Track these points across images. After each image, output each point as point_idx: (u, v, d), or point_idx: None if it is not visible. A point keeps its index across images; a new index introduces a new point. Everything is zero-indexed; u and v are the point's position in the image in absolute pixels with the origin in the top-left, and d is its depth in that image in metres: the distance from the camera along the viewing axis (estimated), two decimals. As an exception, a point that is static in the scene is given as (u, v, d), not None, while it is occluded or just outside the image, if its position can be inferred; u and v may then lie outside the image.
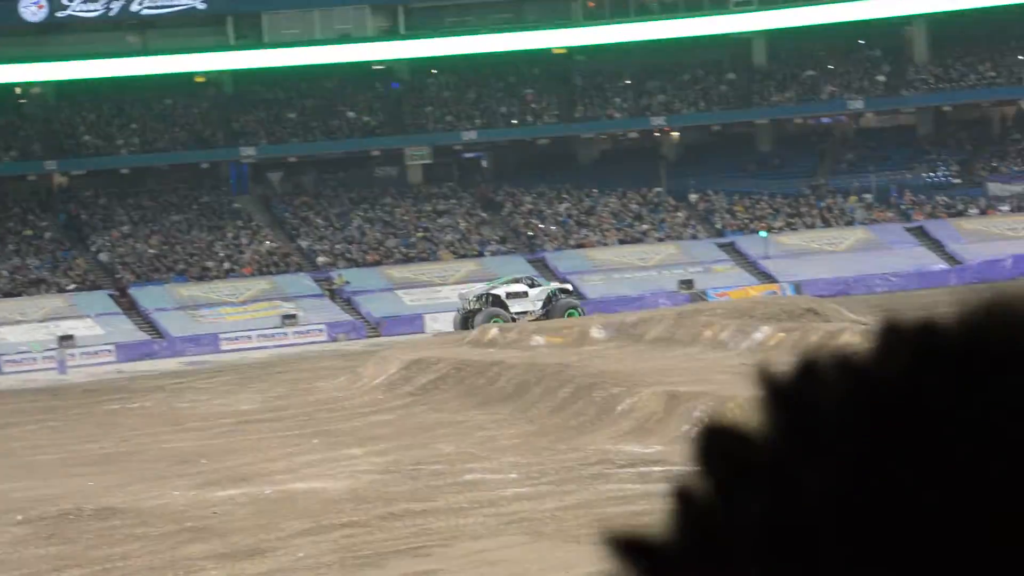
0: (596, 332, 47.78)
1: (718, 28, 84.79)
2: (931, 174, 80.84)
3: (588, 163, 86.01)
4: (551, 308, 58.90)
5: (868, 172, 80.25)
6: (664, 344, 44.90)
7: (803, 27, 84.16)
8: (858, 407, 0.86)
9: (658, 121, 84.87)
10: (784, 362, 0.85)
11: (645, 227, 76.38)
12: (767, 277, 68.94)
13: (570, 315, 56.64)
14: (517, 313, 58.66)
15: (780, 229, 74.57)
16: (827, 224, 75.10)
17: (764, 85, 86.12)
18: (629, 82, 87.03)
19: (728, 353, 43.50)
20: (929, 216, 74.65)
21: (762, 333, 44.65)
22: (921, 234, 72.90)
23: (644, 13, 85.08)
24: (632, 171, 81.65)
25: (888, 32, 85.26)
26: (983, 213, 74.31)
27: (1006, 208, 74.49)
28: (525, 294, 59.82)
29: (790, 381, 0.88)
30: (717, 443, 0.88)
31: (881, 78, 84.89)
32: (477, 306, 59.50)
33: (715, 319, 47.65)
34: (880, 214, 75.69)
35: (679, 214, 77.73)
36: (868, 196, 77.67)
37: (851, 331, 42.58)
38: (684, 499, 0.87)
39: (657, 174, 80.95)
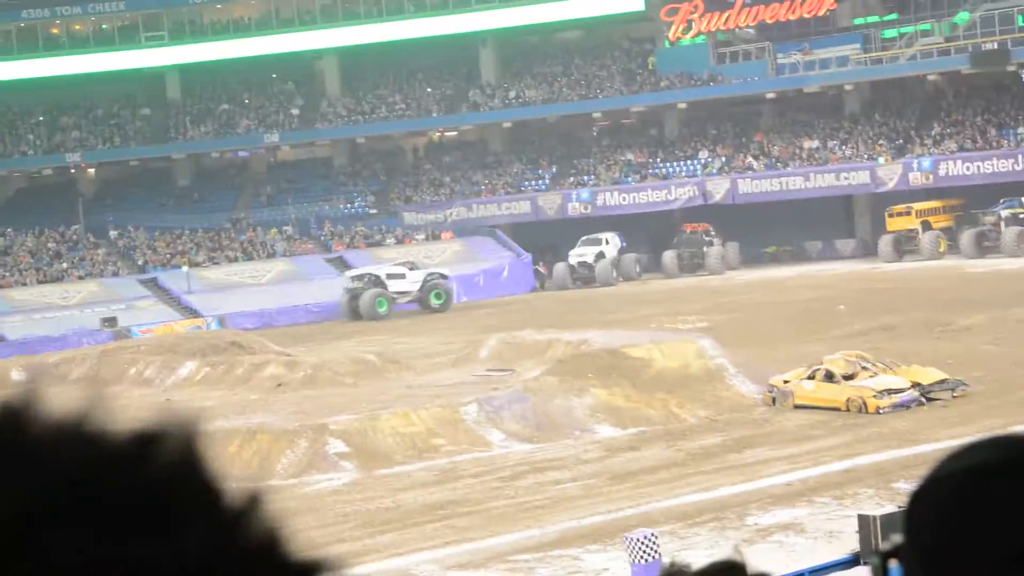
0: (16, 375, 46.41)
1: (130, 63, 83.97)
2: (348, 205, 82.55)
3: (2, 202, 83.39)
4: (423, 289, 66.52)
5: (287, 204, 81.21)
6: (89, 385, 43.96)
7: (217, 61, 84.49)
8: None
9: (73, 157, 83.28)
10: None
11: (65, 265, 74.60)
12: (191, 312, 68.55)
13: (436, 296, 66.15)
14: (396, 292, 65.95)
15: (202, 263, 74.37)
16: (249, 257, 75.39)
17: (180, 120, 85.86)
18: (42, 118, 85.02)
19: (154, 390, 43.19)
20: (349, 246, 76.14)
21: (187, 368, 44.58)
22: (341, 264, 74.18)
23: (53, 48, 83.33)
24: (49, 209, 79.79)
25: (300, 66, 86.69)
26: (400, 242, 76.41)
27: (421, 236, 76.88)
28: (403, 275, 66.14)
29: None
30: None
31: (295, 111, 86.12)
32: (359, 285, 65.44)
33: (140, 356, 47.21)
34: (301, 246, 76.65)
35: (99, 251, 76.31)
36: (288, 228, 78.55)
37: (276, 363, 43.08)
38: None
39: (75, 211, 79.31)
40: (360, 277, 66.52)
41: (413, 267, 67.53)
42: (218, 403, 39.31)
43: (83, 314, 67.86)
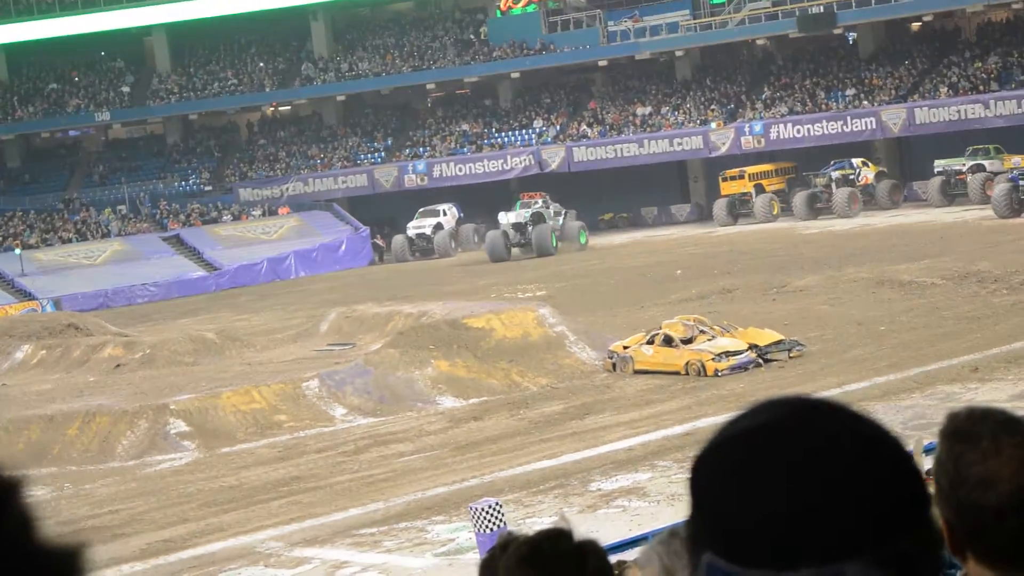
0: None
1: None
2: (183, 182, 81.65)
3: None
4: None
5: (120, 183, 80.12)
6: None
7: (43, 40, 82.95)
8: None
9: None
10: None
11: None
12: (25, 295, 67.41)
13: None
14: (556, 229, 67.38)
15: (35, 245, 73.09)
16: (83, 238, 74.29)
17: (7, 100, 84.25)
18: None
19: (-10, 376, 42.47)
20: (184, 224, 75.35)
21: (23, 352, 43.88)
22: (178, 242, 73.46)
23: None
24: None
25: (130, 43, 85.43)
26: (236, 219, 75.79)
27: (258, 212, 76.30)
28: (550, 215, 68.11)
29: None
30: None
31: (126, 89, 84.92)
32: (519, 222, 67.05)
33: (-27, 342, 46.31)
34: (135, 225, 75.69)
35: (-73, 236, 74.65)
36: (122, 207, 77.51)
37: (114, 344, 42.56)
38: None
39: (-99, 196, 77.48)
40: (520, 216, 67.26)
41: (547, 204, 68.54)
42: (55, 386, 38.78)
43: (-87, 300, 66.31)
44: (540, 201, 68.99)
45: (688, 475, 1.45)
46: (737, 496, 1.39)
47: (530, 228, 67.27)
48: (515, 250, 67.19)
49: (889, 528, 1.37)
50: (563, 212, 69.31)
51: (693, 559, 1.45)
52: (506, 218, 67.97)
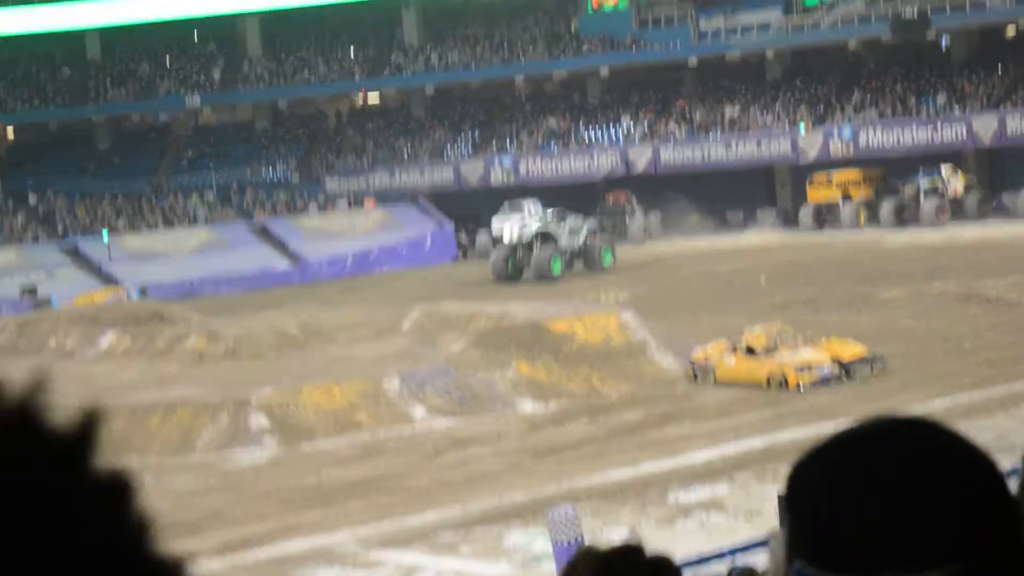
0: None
1: (50, 23, 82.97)
2: (270, 169, 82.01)
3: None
4: (587, 245, 61.45)
5: (209, 169, 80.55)
6: (7, 355, 43.64)
7: (137, 22, 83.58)
8: None
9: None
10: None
11: (-18, 231, 73.69)
12: (112, 280, 67.79)
13: (605, 254, 61.23)
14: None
15: (123, 231, 73.52)
16: (170, 224, 74.65)
17: (100, 81, 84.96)
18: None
19: (76, 361, 42.92)
20: (271, 214, 75.50)
21: (108, 339, 44.32)
22: (264, 233, 73.49)
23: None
24: (-35, 173, 78.73)
25: (222, 27, 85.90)
26: (322, 210, 75.94)
27: (344, 204, 76.45)
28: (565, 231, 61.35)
29: None
30: None
31: (217, 74, 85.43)
32: (518, 238, 60.27)
33: (60, 326, 46.85)
34: (222, 213, 75.99)
35: (18, 217, 75.43)
36: (210, 194, 77.90)
37: (197, 335, 42.88)
38: None
39: (-7, 175, 78.35)
40: (521, 231, 60.25)
41: (563, 218, 61.28)
42: (138, 375, 39.09)
43: (1, 283, 66.75)
44: (550, 211, 63.24)
45: (785, 482, 1.53)
46: (824, 503, 1.47)
47: (536, 248, 60.99)
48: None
49: (974, 544, 1.43)
50: (582, 228, 62.74)
51: (787, 566, 1.51)
52: (501, 231, 61.42)
